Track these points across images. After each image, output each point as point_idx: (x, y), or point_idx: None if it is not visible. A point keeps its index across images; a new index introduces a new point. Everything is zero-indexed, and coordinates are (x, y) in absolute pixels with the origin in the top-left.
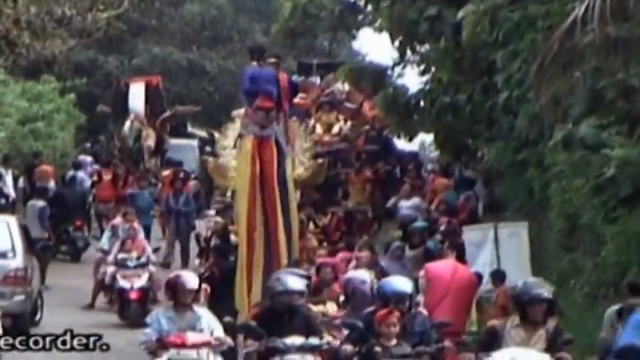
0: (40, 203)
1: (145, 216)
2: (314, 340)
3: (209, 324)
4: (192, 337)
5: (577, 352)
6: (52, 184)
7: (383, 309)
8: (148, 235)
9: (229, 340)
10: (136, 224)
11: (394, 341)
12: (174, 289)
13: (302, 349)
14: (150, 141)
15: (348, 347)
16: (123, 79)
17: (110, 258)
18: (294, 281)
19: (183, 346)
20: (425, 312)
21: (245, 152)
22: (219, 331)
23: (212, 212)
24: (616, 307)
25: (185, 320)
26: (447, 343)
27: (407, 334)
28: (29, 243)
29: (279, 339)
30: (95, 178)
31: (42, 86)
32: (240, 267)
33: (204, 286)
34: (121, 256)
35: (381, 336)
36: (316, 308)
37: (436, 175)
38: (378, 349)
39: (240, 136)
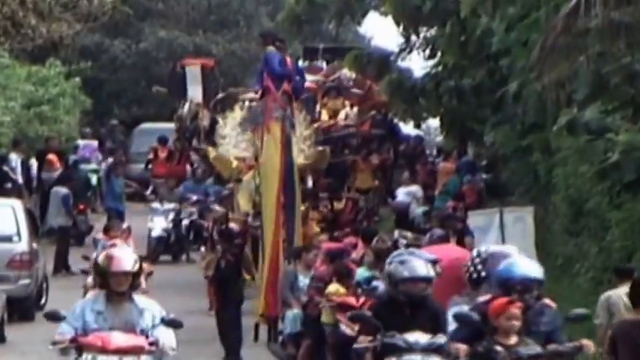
0: (64, 190)
1: None
2: (441, 339)
3: (153, 321)
4: (117, 339)
5: (583, 335)
6: (56, 174)
7: (500, 298)
8: None
9: (171, 348)
10: (118, 241)
11: (514, 339)
12: (103, 272)
13: (427, 349)
14: (205, 121)
15: (462, 347)
16: (180, 61)
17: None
18: (421, 266)
19: (103, 350)
20: (554, 305)
21: (275, 137)
22: (165, 333)
23: (215, 206)
24: (609, 292)
25: (120, 315)
26: (586, 341)
27: (531, 333)
28: (34, 227)
29: (399, 335)
30: (151, 155)
31: (47, 70)
32: (264, 250)
33: (147, 267)
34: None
35: (498, 332)
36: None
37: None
38: (499, 348)
39: (241, 124)
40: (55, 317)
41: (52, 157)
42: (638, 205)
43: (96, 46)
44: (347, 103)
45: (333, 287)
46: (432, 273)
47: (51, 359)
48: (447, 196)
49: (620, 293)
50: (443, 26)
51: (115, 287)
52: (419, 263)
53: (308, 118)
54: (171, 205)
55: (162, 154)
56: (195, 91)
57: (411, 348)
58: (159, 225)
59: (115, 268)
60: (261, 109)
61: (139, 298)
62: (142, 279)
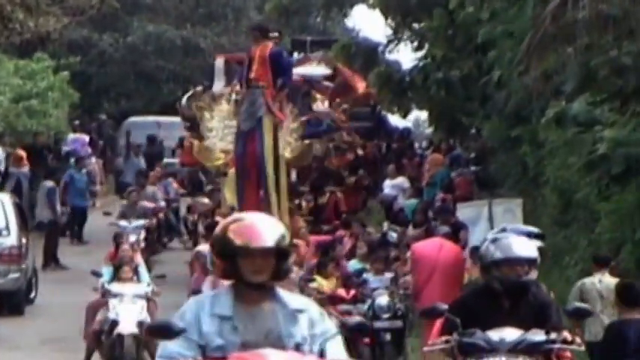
0: (49, 184)
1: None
2: (537, 336)
3: (312, 329)
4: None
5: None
6: (25, 169)
7: None
8: None
9: None
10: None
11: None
12: (230, 251)
13: (515, 348)
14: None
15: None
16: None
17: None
18: (519, 244)
19: None
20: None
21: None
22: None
23: (205, 200)
24: (584, 279)
25: (258, 322)
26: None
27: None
28: (23, 221)
29: (480, 332)
30: (177, 143)
31: (36, 64)
32: None
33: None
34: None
35: None
36: (316, 284)
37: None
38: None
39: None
40: (167, 332)
41: (20, 152)
42: (626, 197)
43: (84, 40)
44: (318, 96)
45: (317, 282)
46: (534, 253)
47: (40, 354)
48: (435, 187)
49: (594, 280)
50: (430, 18)
51: (250, 277)
52: (516, 240)
53: (295, 111)
54: (141, 222)
55: (187, 143)
56: (217, 84)
57: (493, 348)
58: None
59: (255, 244)
60: (258, 103)
61: (286, 294)
62: (293, 265)
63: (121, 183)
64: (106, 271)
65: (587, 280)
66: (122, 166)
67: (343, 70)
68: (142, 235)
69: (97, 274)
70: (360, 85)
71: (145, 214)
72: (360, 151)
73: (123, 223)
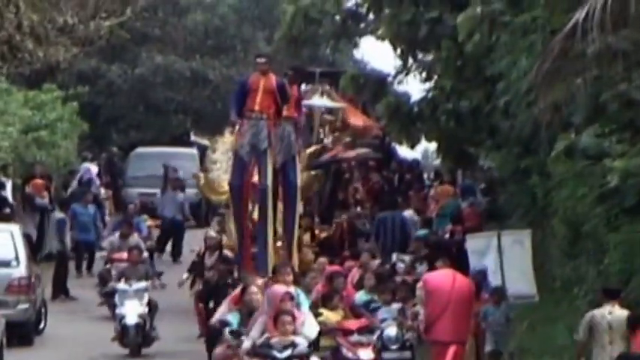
0: (59, 215)
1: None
2: None
3: None
4: None
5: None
6: (45, 199)
7: None
8: None
9: None
10: None
11: None
12: None
13: None
14: None
15: None
16: None
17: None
18: None
19: None
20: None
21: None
22: None
23: (212, 233)
24: (594, 311)
25: None
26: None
27: None
28: (32, 252)
29: None
30: None
31: (45, 95)
32: None
33: None
34: None
35: None
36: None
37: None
38: None
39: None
40: None
41: (39, 181)
42: (636, 228)
43: (93, 70)
44: (320, 130)
45: (323, 315)
46: None
47: None
48: (445, 219)
49: (604, 313)
50: (439, 49)
51: None
52: None
53: (300, 141)
54: (142, 284)
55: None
56: None
57: None
58: (132, 310)
59: None
60: (263, 135)
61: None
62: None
63: (161, 218)
64: (233, 317)
65: (597, 312)
66: (159, 200)
67: (340, 107)
68: (146, 299)
69: (225, 324)
70: (359, 120)
71: (147, 275)
72: (357, 185)
73: (122, 285)
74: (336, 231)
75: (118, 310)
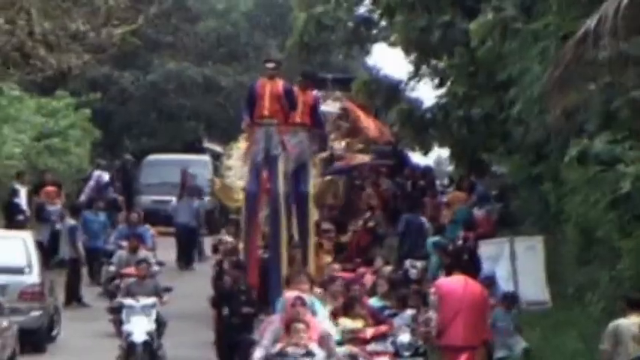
0: (71, 222)
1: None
2: None
3: None
4: None
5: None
6: (57, 206)
7: None
8: None
9: None
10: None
11: None
12: None
13: None
14: None
15: None
16: None
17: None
18: None
19: None
20: None
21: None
22: None
23: (227, 238)
24: (619, 321)
25: None
26: None
27: None
28: (45, 259)
29: None
30: None
31: (57, 102)
32: None
33: None
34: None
35: None
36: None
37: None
38: None
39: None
40: None
41: (52, 188)
42: None
43: (105, 77)
44: (332, 136)
45: (343, 322)
46: None
47: None
48: (458, 226)
49: (629, 323)
50: (452, 56)
51: None
52: None
53: (314, 147)
54: (150, 300)
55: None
56: None
57: None
58: (139, 327)
59: None
60: (274, 142)
61: None
62: None
63: (175, 224)
64: None
65: (622, 322)
66: (173, 207)
67: (351, 111)
68: (154, 315)
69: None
70: (372, 126)
71: (156, 290)
72: (370, 191)
73: (129, 301)
74: (353, 237)
75: (124, 327)
